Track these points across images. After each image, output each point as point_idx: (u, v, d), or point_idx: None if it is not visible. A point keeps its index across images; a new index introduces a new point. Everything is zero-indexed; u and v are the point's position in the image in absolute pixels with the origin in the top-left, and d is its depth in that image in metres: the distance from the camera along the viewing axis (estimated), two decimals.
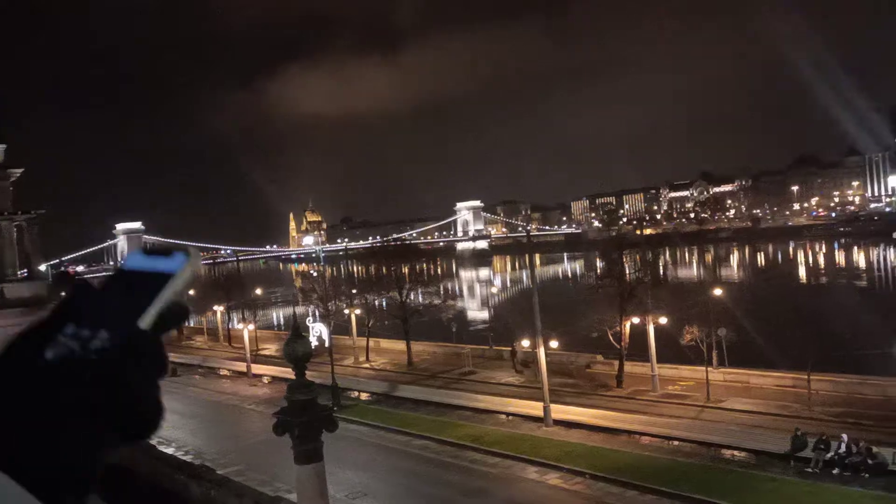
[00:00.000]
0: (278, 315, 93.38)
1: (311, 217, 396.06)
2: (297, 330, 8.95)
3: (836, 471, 25.54)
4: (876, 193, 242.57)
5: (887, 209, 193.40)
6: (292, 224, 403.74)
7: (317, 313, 54.73)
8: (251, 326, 59.82)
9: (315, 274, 64.74)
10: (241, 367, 57.01)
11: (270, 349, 62.24)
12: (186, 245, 1.19)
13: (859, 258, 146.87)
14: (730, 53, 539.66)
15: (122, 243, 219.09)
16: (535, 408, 36.46)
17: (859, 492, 23.70)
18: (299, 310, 71.88)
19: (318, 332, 39.38)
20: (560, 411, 35.83)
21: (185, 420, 42.07)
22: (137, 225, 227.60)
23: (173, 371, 59.38)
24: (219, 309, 74.64)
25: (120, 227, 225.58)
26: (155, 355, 0.82)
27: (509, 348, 50.84)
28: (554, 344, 41.62)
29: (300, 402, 8.81)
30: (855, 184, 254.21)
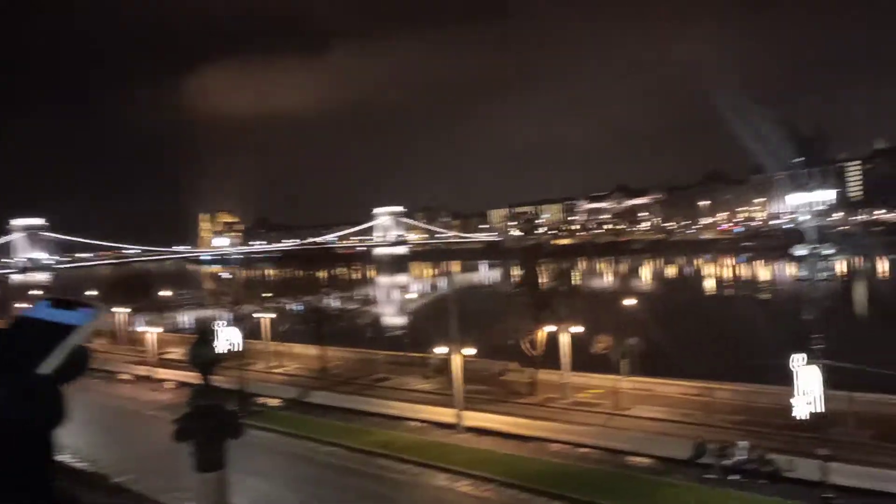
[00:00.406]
0: (186, 318, 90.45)
1: (225, 218, 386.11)
2: (203, 333, 8.46)
3: (734, 477, 26.50)
4: (778, 210, 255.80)
5: (786, 226, 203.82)
6: (204, 224, 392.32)
7: (228, 317, 53.15)
8: (155, 329, 57.52)
9: (227, 276, 62.89)
10: (144, 371, 54.75)
11: (176, 353, 60.02)
12: (91, 301, 1.18)
13: (761, 272, 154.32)
14: (646, 73, 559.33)
15: (18, 239, 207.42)
16: (447, 414, 36.43)
17: (754, 497, 24.62)
18: (209, 313, 69.94)
19: (228, 336, 38.14)
20: (473, 418, 35.92)
21: (79, 426, 39.88)
22: (38, 221, 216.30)
23: None
24: (121, 310, 71.26)
25: (17, 222, 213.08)
26: (53, 403, 0.83)
27: (425, 354, 50.73)
28: (469, 351, 41.67)
29: (203, 407, 8.30)
30: (759, 201, 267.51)
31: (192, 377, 8.49)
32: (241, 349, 41.87)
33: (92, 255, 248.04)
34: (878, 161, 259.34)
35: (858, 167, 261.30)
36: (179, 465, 8.19)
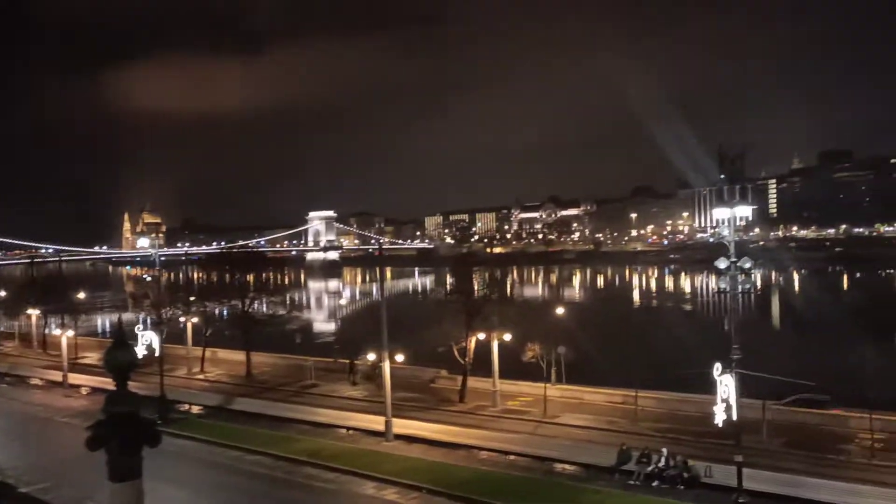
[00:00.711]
0: (103, 321, 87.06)
1: (149, 218, 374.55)
2: (120, 337, 8.08)
3: (655, 483, 27.15)
4: (703, 224, 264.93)
5: (711, 240, 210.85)
6: (127, 225, 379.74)
7: (148, 320, 51.36)
8: (70, 332, 55.14)
9: (149, 279, 60.79)
10: (57, 376, 52.38)
11: (91, 357, 57.76)
12: None
13: (685, 283, 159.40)
14: (577, 87, 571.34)
15: None
16: (376, 422, 36.13)
17: (673, 502, 25.26)
18: (129, 316, 67.40)
19: (148, 340, 36.82)
20: (402, 426, 35.71)
21: None
22: None
23: None
24: (33, 313, 67.97)
25: None
26: None
27: (356, 362, 50.30)
28: (400, 358, 41.52)
29: (118, 414, 7.92)
30: (685, 214, 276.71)
31: (107, 383, 8.12)
32: (161, 354, 40.45)
33: (2, 254, 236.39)
34: (793, 180, 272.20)
35: (775, 186, 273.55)
36: (93, 474, 7.80)
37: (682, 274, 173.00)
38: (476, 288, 44.98)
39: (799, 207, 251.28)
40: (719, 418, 22.56)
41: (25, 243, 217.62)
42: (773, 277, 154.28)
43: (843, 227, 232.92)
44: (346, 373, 49.23)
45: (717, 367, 22.64)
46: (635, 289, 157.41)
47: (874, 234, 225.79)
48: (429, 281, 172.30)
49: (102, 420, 7.57)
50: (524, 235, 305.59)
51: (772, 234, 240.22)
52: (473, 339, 41.63)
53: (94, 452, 7.72)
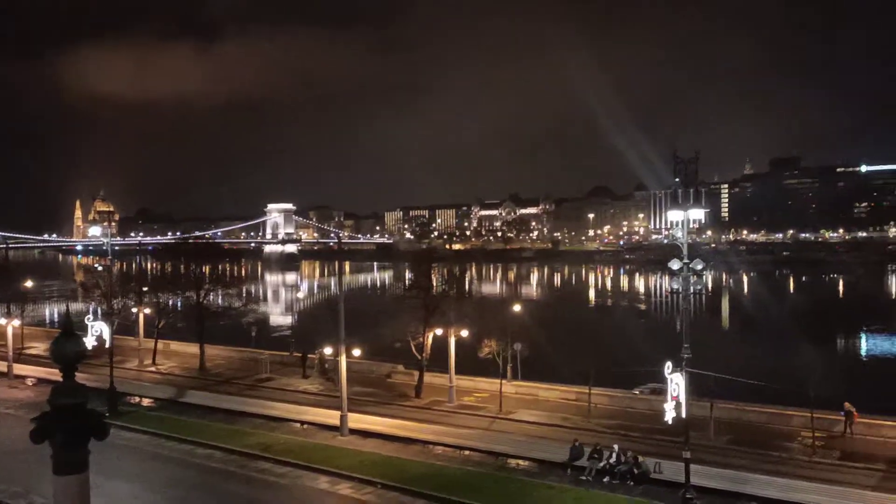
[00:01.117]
0: (52, 311, 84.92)
1: (102, 206, 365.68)
2: (67, 327, 7.95)
3: (606, 478, 27.62)
4: (658, 226, 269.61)
5: (665, 241, 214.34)
6: (78, 213, 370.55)
7: (99, 311, 50.23)
8: (16, 322, 53.67)
9: (100, 268, 59.34)
10: (2, 366, 50.87)
11: (38, 348, 56.32)
12: None
13: (640, 283, 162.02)
14: (536, 88, 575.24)
15: None
16: (332, 416, 35.98)
17: (623, 498, 25.72)
18: (79, 306, 65.87)
19: (98, 330, 35.97)
20: (357, 420, 35.63)
21: None
22: None
23: None
24: None
25: None
26: None
27: (313, 355, 50.03)
28: (357, 352, 41.44)
29: (65, 406, 7.83)
30: (641, 216, 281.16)
31: (54, 373, 7.96)
32: (111, 345, 39.59)
33: None
34: (745, 185, 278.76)
35: (727, 190, 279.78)
36: (38, 467, 7.67)
37: (637, 274, 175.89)
38: (434, 284, 45.06)
39: (750, 212, 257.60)
40: (669, 416, 23.04)
41: None
42: (724, 279, 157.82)
43: (791, 232, 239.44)
44: (300, 365, 48.91)
45: (668, 365, 23.11)
46: (591, 288, 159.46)
47: (819, 239, 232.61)
48: (387, 276, 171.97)
49: (48, 412, 7.43)
50: (483, 233, 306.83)
51: (723, 237, 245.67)
52: (430, 335, 41.74)
53: (40, 445, 7.59)
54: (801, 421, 32.67)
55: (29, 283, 74.24)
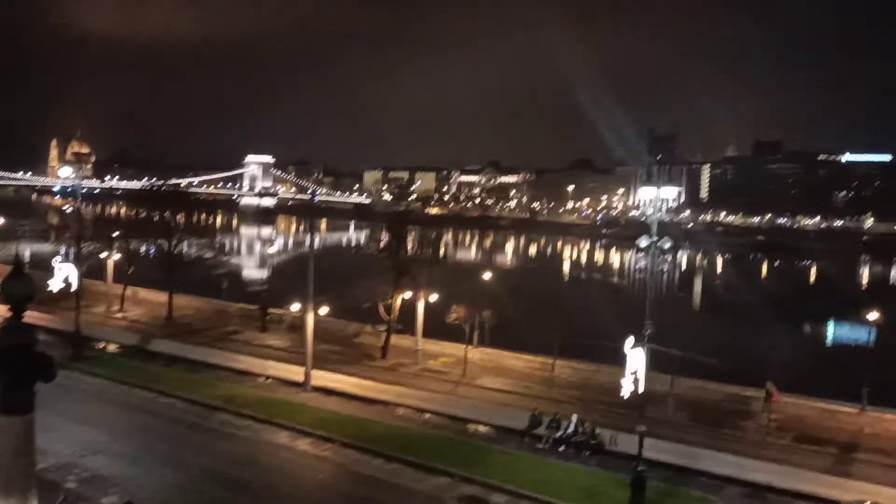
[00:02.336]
0: (24, 250, 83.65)
1: (78, 148, 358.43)
2: (17, 265, 7.87)
3: (562, 448, 28.13)
4: (636, 202, 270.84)
5: (643, 218, 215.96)
6: (54, 152, 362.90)
7: (69, 253, 49.57)
8: None
9: (69, 210, 58.54)
10: None
11: None
12: None
13: (614, 259, 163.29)
14: (523, 56, 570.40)
15: None
16: (296, 372, 36.13)
17: (577, 467, 26.21)
18: (48, 247, 64.96)
19: (65, 273, 35.58)
20: (322, 378, 35.81)
21: None
22: None
23: None
24: None
25: None
26: None
27: (280, 310, 49.97)
28: (324, 310, 41.42)
29: (12, 346, 7.80)
30: (620, 191, 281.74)
31: (26, 315, 7.84)
32: (78, 289, 39.17)
33: None
34: (726, 166, 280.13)
35: (708, 170, 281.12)
36: None
37: (613, 249, 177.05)
38: (408, 247, 45.02)
39: (730, 194, 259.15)
40: (626, 390, 23.42)
41: None
42: (698, 260, 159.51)
43: (769, 216, 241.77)
44: (263, 318, 48.99)
45: (630, 340, 23.41)
46: (566, 260, 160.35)
47: (796, 225, 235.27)
48: (363, 236, 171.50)
49: None
50: (462, 199, 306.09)
51: (701, 217, 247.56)
52: (400, 297, 41.85)
53: None
54: (758, 402, 33.41)
55: (0, 220, 73.21)
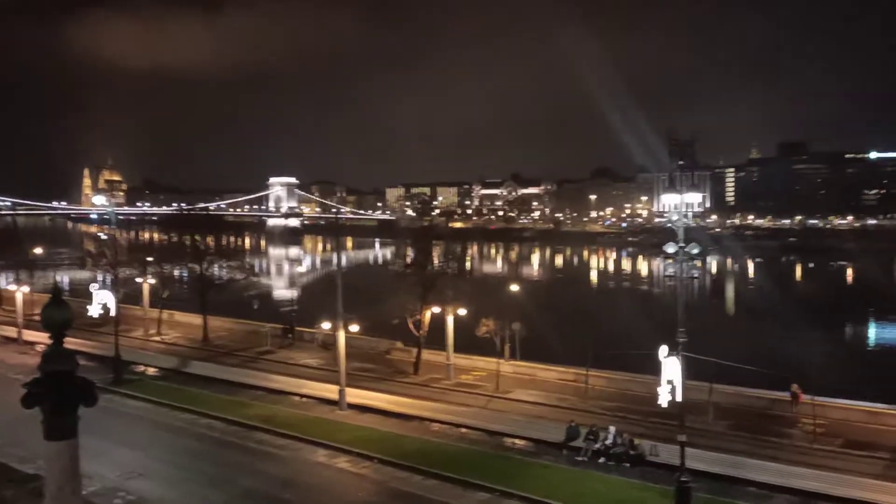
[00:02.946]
0: (62, 278, 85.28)
1: (110, 176, 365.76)
2: (56, 294, 7.96)
3: (602, 460, 27.76)
4: (661, 209, 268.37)
5: (668, 225, 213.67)
6: (87, 181, 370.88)
7: (106, 279, 50.46)
8: (26, 288, 54.01)
9: (104, 237, 59.64)
10: (12, 332, 51.46)
11: None
12: None
13: (642, 267, 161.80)
14: (539, 67, 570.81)
15: None
16: (331, 391, 36.18)
17: (618, 479, 25.86)
18: (85, 274, 66.12)
19: (103, 299, 36.19)
20: (356, 395, 35.83)
21: None
22: None
23: None
24: None
25: None
26: None
27: (313, 330, 50.33)
28: (355, 328, 41.53)
29: (54, 373, 7.86)
30: (644, 198, 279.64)
31: (67, 341, 7.94)
32: (116, 314, 39.77)
33: None
34: (751, 170, 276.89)
35: (733, 174, 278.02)
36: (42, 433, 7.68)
37: (640, 257, 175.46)
38: (434, 261, 45.01)
39: (756, 197, 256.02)
40: (663, 399, 23.06)
41: None
42: (728, 265, 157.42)
43: (799, 218, 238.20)
44: (285, 335, 49.64)
45: (663, 349, 23.08)
46: (592, 270, 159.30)
47: (828, 226, 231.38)
48: (388, 252, 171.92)
49: (38, 378, 7.43)
50: (485, 212, 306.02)
51: (728, 221, 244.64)
52: (429, 312, 41.80)
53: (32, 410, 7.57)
54: (803, 408, 32.66)
55: (38, 251, 74.81)
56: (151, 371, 43.48)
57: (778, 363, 37.84)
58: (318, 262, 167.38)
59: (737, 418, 32.63)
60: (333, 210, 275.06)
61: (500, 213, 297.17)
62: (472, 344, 42.18)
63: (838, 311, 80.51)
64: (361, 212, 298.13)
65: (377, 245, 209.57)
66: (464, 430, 32.17)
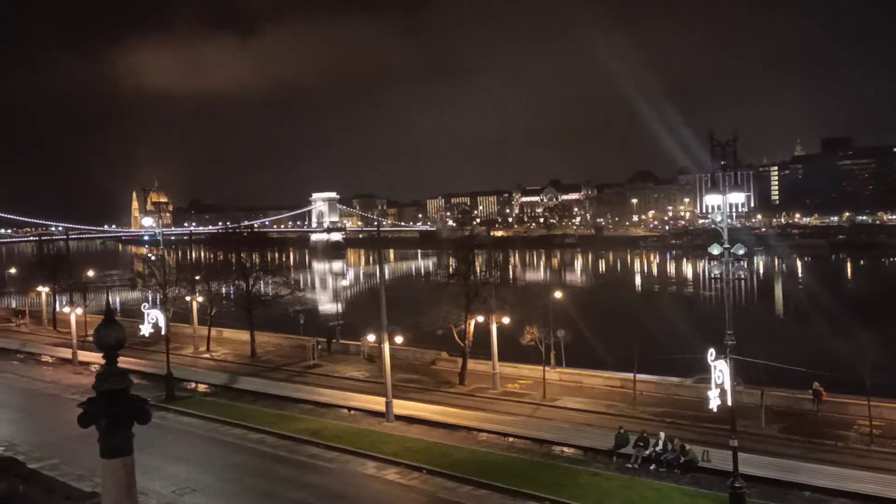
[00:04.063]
0: (113, 299, 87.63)
1: (156, 198, 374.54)
2: (109, 314, 8.21)
3: (652, 467, 27.37)
4: (703, 210, 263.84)
5: (712, 226, 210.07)
6: (135, 204, 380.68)
7: (157, 299, 51.71)
8: (79, 310, 55.62)
9: (153, 258, 61.11)
10: (67, 353, 52.97)
11: None
12: None
13: (687, 269, 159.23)
14: (575, 72, 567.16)
15: None
16: (378, 403, 36.40)
17: (670, 486, 25.46)
18: (136, 295, 67.76)
19: (153, 318, 37.06)
20: (403, 407, 35.99)
21: None
22: None
23: None
24: (44, 290, 68.90)
25: None
26: None
27: (358, 342, 50.78)
28: (399, 339, 41.78)
29: (108, 391, 8.09)
30: (686, 200, 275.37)
31: (120, 360, 8.21)
32: (167, 333, 40.74)
33: (12, 230, 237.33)
34: (795, 167, 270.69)
35: (777, 172, 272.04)
36: (98, 451, 7.92)
37: (684, 259, 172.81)
38: (477, 271, 45.03)
39: (801, 195, 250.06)
40: (713, 403, 22.67)
41: (36, 221, 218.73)
42: (776, 265, 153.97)
43: (846, 214, 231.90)
44: (345, 352, 50.02)
45: (711, 352, 22.71)
46: (636, 274, 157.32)
47: (877, 222, 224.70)
48: (430, 263, 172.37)
49: (93, 397, 7.68)
50: (525, 219, 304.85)
51: (774, 220, 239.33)
52: (472, 322, 41.81)
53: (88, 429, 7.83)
54: (858, 409, 31.77)
55: (91, 273, 77.01)
56: (202, 388, 44.31)
57: (830, 364, 36.81)
58: (361, 275, 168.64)
59: (789, 422, 31.90)
60: (375, 223, 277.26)
61: (541, 220, 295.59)
62: (517, 352, 42.05)
63: (892, 308, 78.01)
64: (402, 224, 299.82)
65: (419, 256, 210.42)
66: (511, 439, 32.05)
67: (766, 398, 32.38)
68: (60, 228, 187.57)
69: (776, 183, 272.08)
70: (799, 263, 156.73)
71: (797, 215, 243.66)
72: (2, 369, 50.57)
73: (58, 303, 70.39)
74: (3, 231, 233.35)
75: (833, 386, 34.64)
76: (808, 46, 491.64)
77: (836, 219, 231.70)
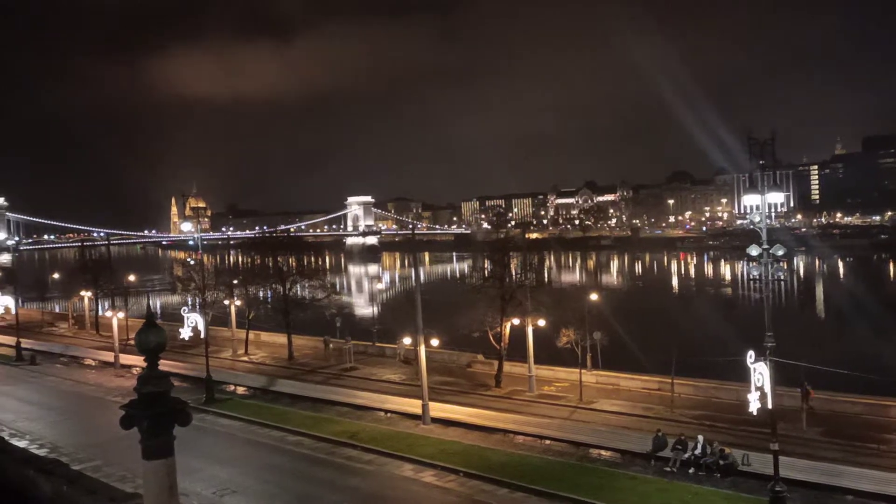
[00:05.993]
0: (154, 303, 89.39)
1: (195, 203, 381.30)
2: (150, 318, 8.43)
3: (691, 470, 27.02)
4: (742, 211, 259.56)
5: (750, 227, 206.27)
6: (174, 209, 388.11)
7: (196, 303, 52.65)
8: (121, 314, 56.84)
9: (192, 262, 62.20)
10: (109, 356, 54.13)
11: None
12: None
13: (725, 271, 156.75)
14: (609, 73, 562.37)
15: None
16: (414, 405, 36.54)
17: (709, 490, 25.12)
18: (176, 299, 69.05)
19: (193, 322, 37.78)
20: (439, 409, 36.07)
21: (41, 412, 39.50)
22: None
23: (32, 359, 55.56)
24: (86, 295, 70.65)
25: None
26: None
27: (394, 345, 51.07)
28: (435, 342, 41.87)
29: (150, 394, 8.31)
30: (724, 201, 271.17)
31: (161, 363, 8.44)
32: (206, 336, 41.46)
33: (55, 236, 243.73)
34: (836, 166, 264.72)
35: (817, 172, 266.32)
36: (140, 452, 8.13)
37: (722, 261, 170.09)
38: (512, 273, 44.94)
39: (842, 194, 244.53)
40: (753, 406, 22.29)
41: (78, 227, 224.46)
42: (816, 265, 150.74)
43: (889, 213, 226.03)
44: (380, 354, 50.39)
45: (751, 354, 22.35)
46: (673, 275, 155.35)
47: None
48: (466, 266, 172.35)
49: (135, 400, 7.89)
50: (560, 221, 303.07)
51: (814, 221, 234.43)
52: (508, 325, 41.75)
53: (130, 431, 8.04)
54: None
55: (132, 278, 78.72)
56: (241, 390, 44.94)
57: (873, 367, 35.97)
58: (396, 278, 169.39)
59: (831, 425, 31.25)
60: (409, 226, 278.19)
61: (577, 221, 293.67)
62: (553, 355, 41.87)
63: None
64: (437, 227, 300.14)
65: (454, 259, 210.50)
66: (548, 441, 31.91)
67: (808, 401, 31.71)
68: (102, 234, 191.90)
69: (816, 182, 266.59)
70: (840, 264, 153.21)
71: (838, 215, 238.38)
72: (46, 372, 51.91)
73: (100, 307, 72.00)
74: (46, 237, 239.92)
75: (874, 388, 33.86)
76: (850, 45, 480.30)
77: (878, 218, 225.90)
